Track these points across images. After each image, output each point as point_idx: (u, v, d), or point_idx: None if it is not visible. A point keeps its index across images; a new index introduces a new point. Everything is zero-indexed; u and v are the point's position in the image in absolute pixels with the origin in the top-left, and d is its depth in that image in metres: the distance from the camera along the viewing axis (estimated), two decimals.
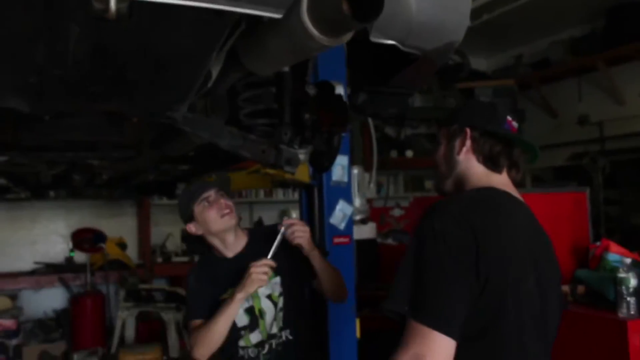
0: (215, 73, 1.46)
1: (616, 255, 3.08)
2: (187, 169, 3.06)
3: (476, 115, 1.56)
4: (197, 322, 2.17)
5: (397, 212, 5.55)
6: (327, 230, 3.40)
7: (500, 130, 1.51)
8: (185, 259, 5.98)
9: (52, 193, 4.72)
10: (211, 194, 2.23)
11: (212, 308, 2.16)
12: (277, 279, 2.21)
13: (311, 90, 1.94)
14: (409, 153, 6.98)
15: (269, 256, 2.10)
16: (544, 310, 1.40)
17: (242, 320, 2.20)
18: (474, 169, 1.52)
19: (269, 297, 2.23)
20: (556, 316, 1.47)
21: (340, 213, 3.46)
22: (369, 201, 4.65)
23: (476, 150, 1.52)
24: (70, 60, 1.22)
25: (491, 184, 1.49)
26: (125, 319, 5.38)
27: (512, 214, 1.44)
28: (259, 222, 6.73)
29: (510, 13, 5.51)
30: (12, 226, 5.95)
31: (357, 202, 4.06)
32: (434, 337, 1.24)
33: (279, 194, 6.96)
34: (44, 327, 5.65)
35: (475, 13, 5.51)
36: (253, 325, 2.22)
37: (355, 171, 4.00)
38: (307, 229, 2.19)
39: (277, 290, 2.24)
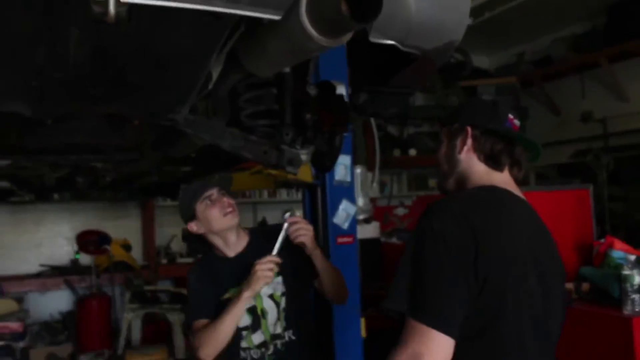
0: (215, 75, 1.47)
1: (620, 252, 3.07)
2: (190, 170, 3.07)
3: (477, 114, 1.56)
4: (201, 322, 2.14)
5: (400, 211, 5.55)
6: (330, 230, 3.40)
7: (501, 128, 1.51)
8: (189, 259, 5.98)
9: (56, 195, 4.75)
10: (213, 192, 2.22)
11: (214, 308, 2.15)
12: (279, 279, 2.20)
13: (312, 91, 1.94)
14: (412, 152, 6.98)
15: (274, 253, 2.08)
16: (546, 309, 1.39)
17: (244, 320, 2.18)
18: (475, 168, 1.52)
19: (271, 296, 2.21)
20: (559, 314, 1.46)
21: (343, 213, 3.46)
22: (372, 200, 4.65)
23: (477, 149, 1.52)
24: (70, 64, 1.23)
25: (493, 182, 1.49)
26: (131, 321, 5.40)
27: (512, 213, 1.43)
28: (263, 222, 6.73)
29: (511, 11, 5.50)
30: (17, 229, 5.97)
31: (361, 201, 4.07)
32: (433, 335, 1.24)
33: (283, 194, 6.96)
34: (51, 329, 5.68)
35: (476, 11, 5.50)
36: (255, 326, 2.19)
37: (358, 171, 4.01)
38: (310, 227, 2.17)
39: (280, 289, 2.22)
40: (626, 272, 2.70)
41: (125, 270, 5.83)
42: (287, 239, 2.12)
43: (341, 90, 2.28)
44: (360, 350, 3.32)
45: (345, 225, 3.45)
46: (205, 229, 2.23)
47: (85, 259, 5.97)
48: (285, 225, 2.12)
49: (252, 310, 2.19)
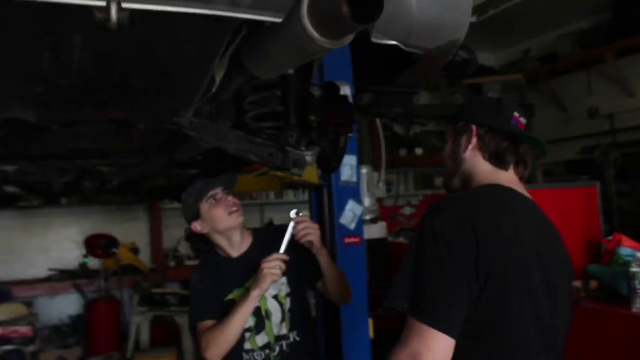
0: (218, 78, 1.47)
1: (628, 249, 3.06)
2: (197, 173, 3.08)
3: (482, 112, 1.55)
4: (207, 323, 2.12)
5: (407, 211, 5.55)
6: (337, 231, 3.40)
7: (506, 126, 1.50)
8: (197, 262, 5.96)
9: (64, 200, 4.77)
10: (218, 191, 2.21)
11: (219, 309, 2.14)
12: (284, 279, 2.18)
13: (316, 92, 1.94)
14: (418, 150, 6.97)
15: (281, 251, 2.06)
16: (551, 307, 1.39)
17: (248, 321, 2.15)
18: (480, 167, 1.51)
19: (276, 297, 2.20)
20: (566, 312, 1.46)
21: (350, 213, 3.47)
22: (379, 200, 4.65)
23: (482, 148, 1.51)
24: (74, 70, 1.23)
25: (497, 181, 1.48)
26: (139, 324, 5.42)
27: (515, 212, 1.43)
28: (270, 223, 6.73)
29: (516, 7, 5.49)
30: (26, 233, 6.00)
31: (367, 201, 4.06)
32: (432, 335, 1.25)
33: (290, 195, 6.97)
34: (60, 333, 5.71)
35: (481, 8, 5.49)
36: (259, 327, 2.17)
37: (364, 171, 4.01)
38: (316, 226, 2.16)
39: (284, 290, 2.21)
40: (634, 269, 2.68)
41: (134, 273, 5.86)
42: (292, 238, 2.10)
43: (345, 90, 2.28)
44: (368, 351, 3.32)
45: (352, 226, 3.45)
46: (209, 228, 2.21)
47: (93, 262, 6.00)
48: (292, 224, 2.10)
49: (256, 311, 2.16)
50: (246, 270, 2.18)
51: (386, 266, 4.29)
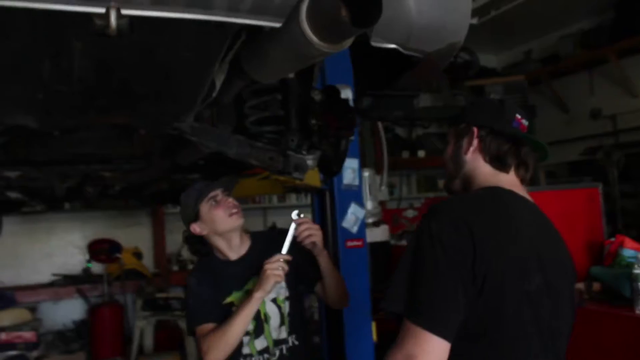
0: (219, 83, 1.47)
1: (631, 250, 3.05)
2: (199, 177, 3.08)
3: (484, 114, 1.55)
4: (207, 326, 2.08)
5: (410, 213, 5.55)
6: (339, 234, 3.41)
7: (508, 129, 1.50)
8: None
9: (67, 205, 4.79)
10: (218, 193, 2.19)
11: (217, 312, 2.11)
12: (283, 283, 2.15)
13: (317, 96, 1.95)
14: (421, 153, 6.97)
15: (283, 251, 2.05)
16: (552, 310, 1.38)
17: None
18: (481, 169, 1.51)
19: (274, 300, 2.18)
20: (568, 315, 1.45)
21: (352, 216, 3.47)
22: (382, 203, 4.64)
23: (483, 150, 1.51)
24: (75, 76, 1.24)
25: (498, 183, 1.48)
26: (143, 328, 5.41)
27: (514, 214, 1.42)
28: (273, 227, 6.74)
29: (517, 8, 5.49)
30: (29, 239, 6.01)
31: (369, 204, 4.06)
32: (427, 338, 1.25)
33: (292, 199, 6.97)
34: (64, 338, 5.71)
35: (482, 10, 5.50)
36: (258, 331, 2.15)
37: (366, 174, 4.01)
38: (318, 227, 2.16)
39: (283, 293, 2.19)
40: (637, 271, 2.67)
41: (137, 278, 5.86)
42: (294, 240, 2.09)
43: (347, 94, 2.28)
44: (371, 354, 3.32)
45: (355, 229, 3.45)
46: (208, 229, 2.18)
47: (97, 267, 6.00)
48: (293, 225, 2.09)
49: (255, 315, 2.12)
50: (245, 273, 2.17)
51: (389, 269, 4.29)
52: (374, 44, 1.32)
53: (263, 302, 2.14)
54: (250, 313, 2.02)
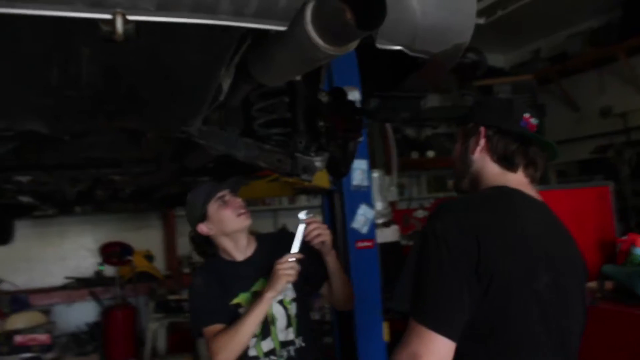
0: (226, 86, 1.48)
1: None
2: (208, 180, 3.10)
3: (492, 114, 1.54)
4: (215, 327, 2.06)
5: (420, 214, 5.54)
6: (349, 235, 3.41)
7: (515, 128, 1.49)
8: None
9: (78, 209, 4.81)
10: (226, 193, 2.19)
11: (224, 313, 2.10)
12: (289, 284, 2.13)
13: (324, 98, 1.95)
14: (430, 153, 6.96)
15: (293, 251, 2.05)
16: (561, 309, 1.38)
17: None
18: (488, 168, 1.51)
19: (281, 302, 2.16)
20: (579, 314, 1.44)
21: (362, 217, 3.47)
22: (392, 204, 4.64)
23: (490, 149, 1.50)
24: (83, 82, 1.26)
25: (506, 183, 1.47)
26: (155, 330, 5.44)
27: (522, 213, 1.42)
28: (283, 229, 6.75)
29: (525, 8, 5.46)
30: (42, 243, 6.06)
31: (379, 205, 4.06)
32: (432, 337, 1.25)
33: (302, 201, 6.97)
34: (78, 340, 5.75)
35: (489, 10, 5.48)
36: (265, 333, 2.13)
37: (375, 175, 4.00)
38: (326, 225, 2.15)
39: (290, 295, 2.18)
40: None
41: (149, 280, 5.90)
42: (303, 240, 2.09)
43: (354, 95, 2.29)
44: (383, 355, 3.32)
45: (364, 230, 3.45)
46: (216, 230, 2.18)
47: (109, 270, 6.06)
48: (302, 225, 2.09)
49: None
50: (252, 275, 2.17)
51: (400, 270, 4.27)
52: (379, 45, 1.32)
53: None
54: (261, 313, 2.01)
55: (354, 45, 1.12)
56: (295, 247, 2.06)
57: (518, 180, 1.49)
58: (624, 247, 3.14)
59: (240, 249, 2.22)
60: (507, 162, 1.50)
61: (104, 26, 0.99)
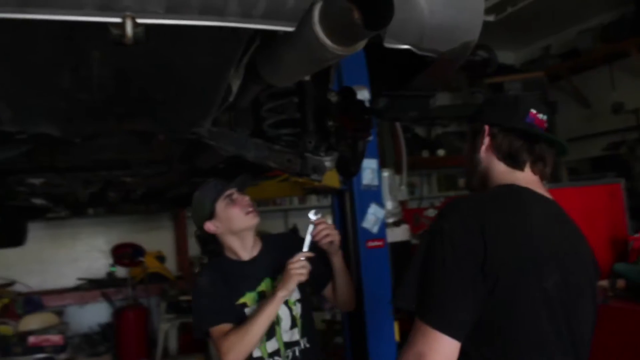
0: (235, 87, 1.49)
1: None
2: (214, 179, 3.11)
3: (496, 111, 1.54)
4: (223, 327, 2.04)
5: (431, 213, 5.52)
6: (360, 234, 3.41)
7: (520, 125, 1.47)
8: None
9: (90, 210, 4.86)
10: (234, 191, 2.19)
11: (232, 312, 2.09)
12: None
13: (333, 98, 1.96)
14: (441, 152, 6.93)
15: (304, 249, 2.04)
16: (572, 308, 1.37)
17: None
18: (495, 167, 1.50)
19: (285, 303, 2.14)
20: (589, 313, 1.43)
21: (372, 217, 3.47)
22: (402, 203, 4.63)
23: (495, 148, 1.50)
24: (94, 85, 1.27)
25: (514, 181, 1.47)
26: (167, 331, 5.48)
27: (530, 211, 1.41)
28: (294, 229, 6.76)
29: (534, 4, 5.43)
30: (55, 244, 6.11)
31: (389, 204, 4.05)
32: (437, 337, 1.25)
33: (313, 200, 6.98)
34: (90, 341, 5.80)
35: (499, 7, 5.45)
36: (270, 333, 2.10)
37: (385, 174, 4.00)
38: (333, 225, 2.15)
39: (294, 296, 2.16)
40: None
41: (160, 281, 5.93)
42: (312, 239, 2.09)
43: (364, 95, 2.29)
44: (394, 354, 3.31)
45: (375, 229, 3.45)
46: (224, 228, 2.17)
47: (121, 271, 6.10)
48: (312, 225, 2.10)
49: None
50: (257, 274, 2.17)
51: (406, 268, 4.26)
52: (387, 45, 1.33)
53: None
54: (272, 313, 2.01)
55: (361, 45, 1.13)
56: (306, 247, 2.06)
57: (527, 178, 1.48)
58: (636, 245, 3.12)
59: (246, 248, 2.22)
60: (512, 160, 1.48)
61: (114, 30, 1.00)
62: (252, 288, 2.16)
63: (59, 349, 4.88)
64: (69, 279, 6.06)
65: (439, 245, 1.31)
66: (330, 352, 4.61)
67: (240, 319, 2.07)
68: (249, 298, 2.15)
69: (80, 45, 1.12)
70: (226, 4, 1.06)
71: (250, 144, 1.90)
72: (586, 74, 6.19)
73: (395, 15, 1.01)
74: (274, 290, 2.04)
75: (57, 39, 1.10)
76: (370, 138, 2.10)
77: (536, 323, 1.32)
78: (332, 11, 1.04)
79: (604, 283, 2.92)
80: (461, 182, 7.39)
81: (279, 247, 2.20)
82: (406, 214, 4.77)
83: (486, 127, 1.51)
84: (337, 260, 2.16)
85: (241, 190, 2.23)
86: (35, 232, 5.62)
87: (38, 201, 3.17)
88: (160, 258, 6.09)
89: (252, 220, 2.18)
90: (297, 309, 2.19)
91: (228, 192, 2.18)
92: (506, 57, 6.97)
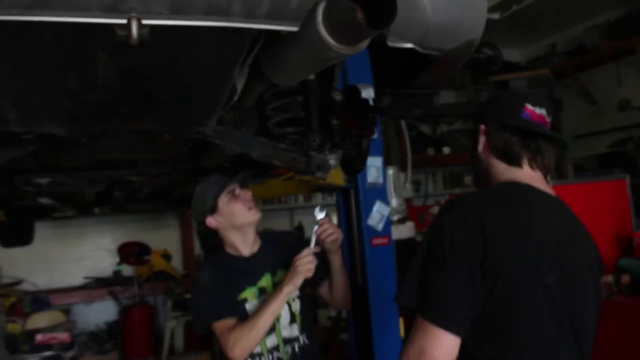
0: (240, 87, 1.50)
1: None
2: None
3: (492, 110, 1.54)
4: (226, 322, 2.03)
5: (436, 210, 5.52)
6: (365, 232, 3.42)
7: (514, 121, 1.46)
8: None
9: (97, 210, 4.88)
10: (236, 187, 2.19)
11: (234, 307, 2.09)
12: None
13: (337, 96, 1.96)
14: (446, 150, 6.93)
15: (311, 246, 2.05)
16: (575, 304, 1.37)
17: None
18: (494, 165, 1.51)
19: None
20: (592, 309, 1.43)
21: (377, 214, 3.47)
22: (407, 200, 4.64)
23: (491, 146, 1.50)
24: (100, 85, 1.28)
25: (515, 178, 1.46)
26: (173, 328, 5.50)
27: (532, 208, 1.41)
28: (299, 227, 6.78)
29: (540, 2, 5.41)
30: (61, 243, 6.15)
31: (394, 202, 4.06)
32: (436, 332, 1.27)
33: (318, 198, 6.98)
34: (97, 339, 5.84)
35: (504, 4, 5.43)
36: (270, 329, 2.07)
37: (390, 172, 4.00)
38: (336, 225, 2.16)
39: (294, 292, 2.13)
40: None
41: (166, 279, 5.96)
42: (304, 243, 2.11)
43: (368, 93, 2.29)
44: (399, 351, 3.31)
45: (380, 227, 3.46)
46: (225, 223, 2.16)
47: (127, 270, 6.12)
48: (317, 226, 2.10)
49: None
50: (258, 270, 2.18)
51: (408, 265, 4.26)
52: (390, 44, 1.33)
53: None
54: (278, 308, 2.01)
55: (365, 44, 1.13)
56: (313, 243, 2.08)
57: (526, 174, 1.47)
58: None
59: (247, 243, 2.22)
60: (508, 157, 1.48)
61: (120, 31, 1.01)
62: (252, 283, 2.16)
63: (66, 346, 4.91)
64: (76, 278, 6.09)
65: (439, 242, 1.32)
66: (335, 349, 4.63)
67: (241, 314, 2.08)
68: (249, 293, 2.16)
69: (86, 46, 1.13)
70: (230, 5, 1.07)
71: (255, 142, 1.91)
72: (592, 71, 6.16)
73: (398, 14, 1.02)
74: (279, 285, 2.04)
75: (63, 41, 1.11)
76: (375, 136, 2.11)
77: (538, 319, 1.32)
78: (335, 11, 1.05)
79: (608, 278, 2.92)
80: (467, 179, 7.40)
81: (278, 244, 2.22)
82: (411, 212, 4.77)
83: (482, 126, 1.51)
84: (337, 260, 2.17)
85: (243, 186, 2.24)
86: (42, 231, 5.66)
87: (45, 201, 3.19)
88: (166, 256, 6.11)
89: (254, 216, 2.18)
90: (297, 305, 2.19)
91: (230, 187, 2.18)
92: (512, 54, 6.94)
